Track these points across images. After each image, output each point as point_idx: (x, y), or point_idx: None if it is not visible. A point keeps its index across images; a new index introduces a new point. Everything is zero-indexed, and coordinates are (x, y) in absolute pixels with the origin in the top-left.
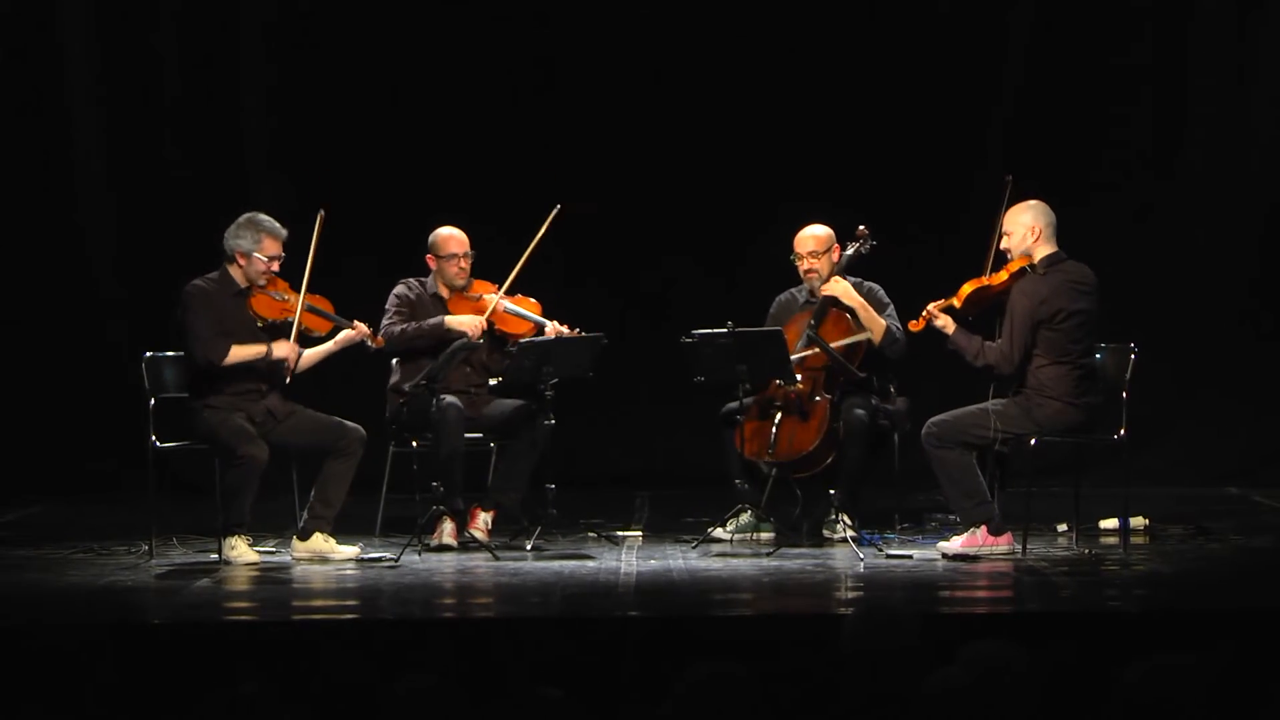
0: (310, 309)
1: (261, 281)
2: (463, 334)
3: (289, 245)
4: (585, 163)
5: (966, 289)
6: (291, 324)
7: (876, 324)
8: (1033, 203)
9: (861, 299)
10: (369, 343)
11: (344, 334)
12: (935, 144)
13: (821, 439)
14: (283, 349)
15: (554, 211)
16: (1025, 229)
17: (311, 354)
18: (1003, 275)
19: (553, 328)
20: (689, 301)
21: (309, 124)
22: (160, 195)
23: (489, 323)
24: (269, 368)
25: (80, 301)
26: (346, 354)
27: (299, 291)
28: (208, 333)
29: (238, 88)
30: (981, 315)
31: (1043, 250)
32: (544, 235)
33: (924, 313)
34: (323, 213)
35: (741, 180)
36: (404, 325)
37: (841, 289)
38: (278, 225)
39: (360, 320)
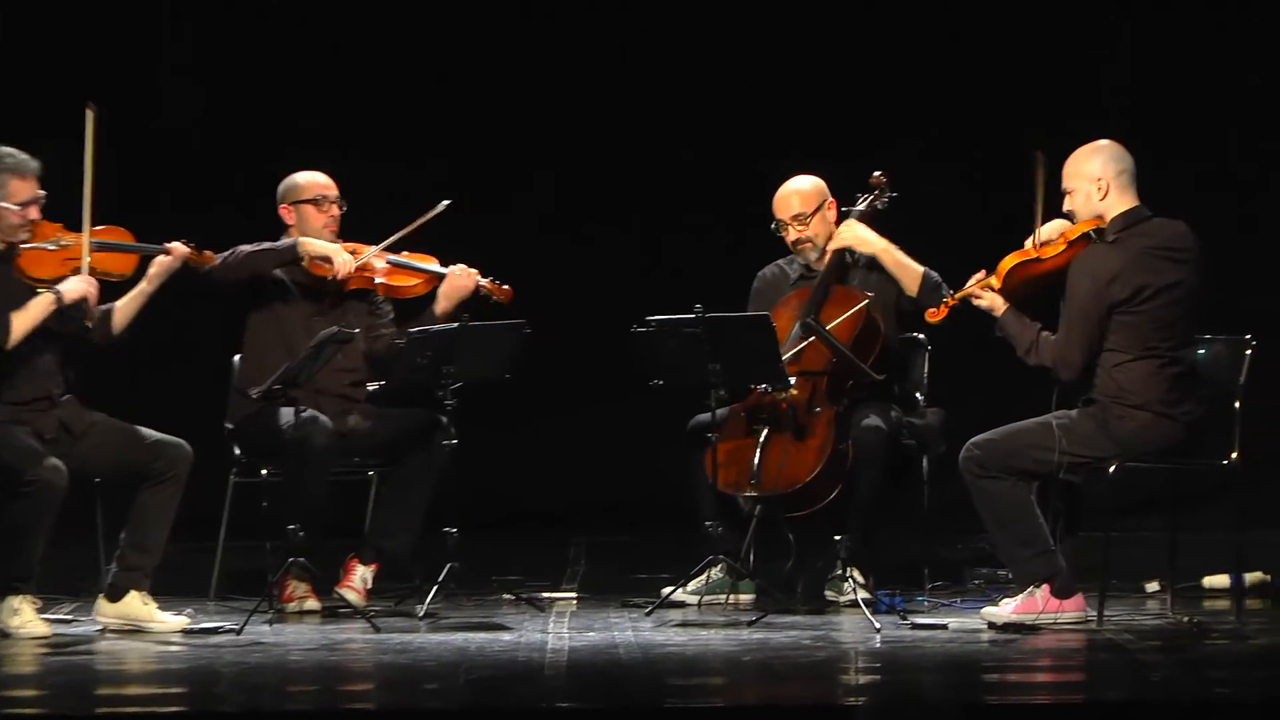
0: (101, 246)
1: (22, 236)
2: (327, 260)
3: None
4: (527, 113)
5: (1008, 263)
6: (80, 273)
7: (909, 271)
8: (1101, 144)
9: (884, 242)
10: (196, 267)
11: (157, 262)
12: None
13: (823, 465)
14: (74, 287)
15: (440, 206)
16: (1090, 183)
17: (124, 305)
18: (1058, 245)
19: (457, 272)
20: (646, 278)
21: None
22: None
23: (372, 285)
24: (61, 359)
25: None
26: (172, 345)
27: (80, 230)
28: None
29: None
30: (1042, 299)
31: (1116, 207)
32: (422, 224)
33: (948, 296)
34: (93, 109)
35: (720, 130)
36: (249, 246)
37: (851, 235)
38: (26, 158)
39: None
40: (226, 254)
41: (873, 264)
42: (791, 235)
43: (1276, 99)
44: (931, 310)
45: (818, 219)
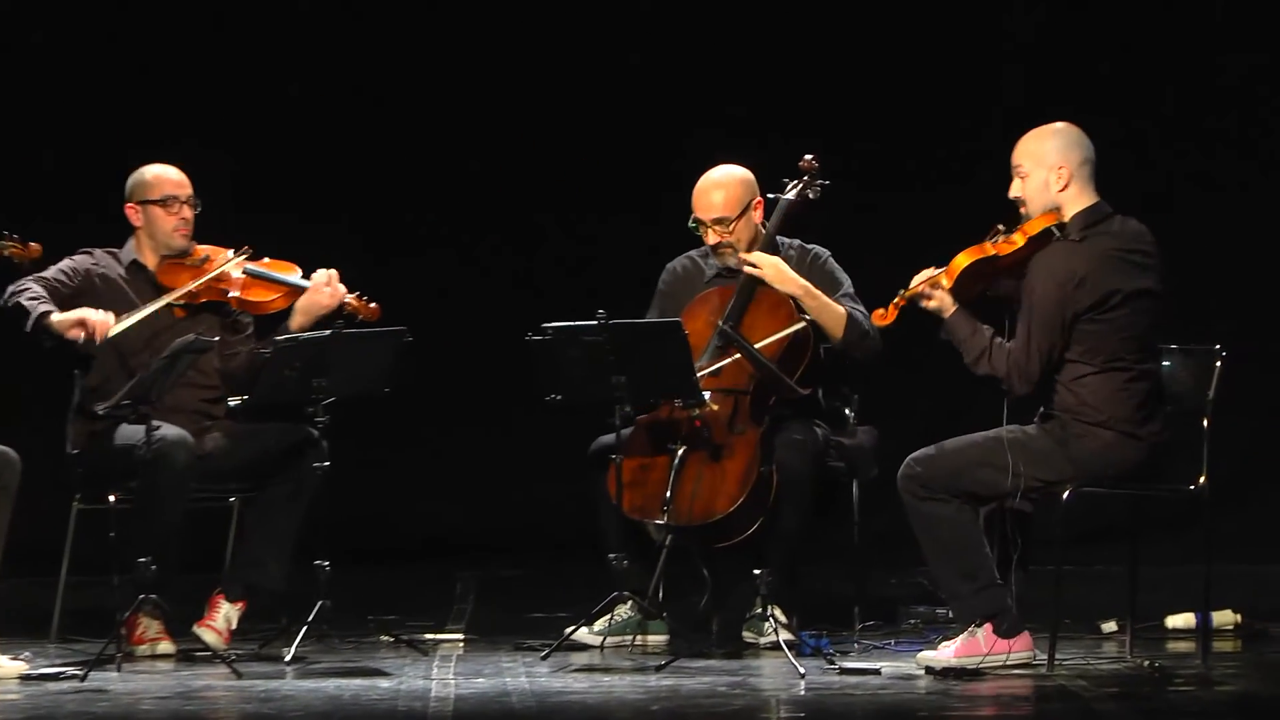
0: None
1: None
2: (78, 325)
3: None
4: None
5: (960, 262)
6: None
7: (832, 314)
8: (1060, 126)
9: (803, 282)
10: (19, 263)
11: None
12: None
13: (744, 493)
14: None
15: (244, 252)
16: (1048, 169)
17: None
18: (1017, 240)
19: (318, 284)
20: (542, 281)
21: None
22: None
23: (224, 299)
24: None
25: None
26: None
27: None
28: None
29: None
30: (993, 302)
31: (1077, 202)
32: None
33: (898, 296)
34: None
35: (632, 105)
36: (27, 294)
37: (770, 270)
38: None
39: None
40: (14, 289)
41: (802, 263)
42: (712, 239)
43: (1267, 95)
44: (880, 312)
45: (743, 223)
